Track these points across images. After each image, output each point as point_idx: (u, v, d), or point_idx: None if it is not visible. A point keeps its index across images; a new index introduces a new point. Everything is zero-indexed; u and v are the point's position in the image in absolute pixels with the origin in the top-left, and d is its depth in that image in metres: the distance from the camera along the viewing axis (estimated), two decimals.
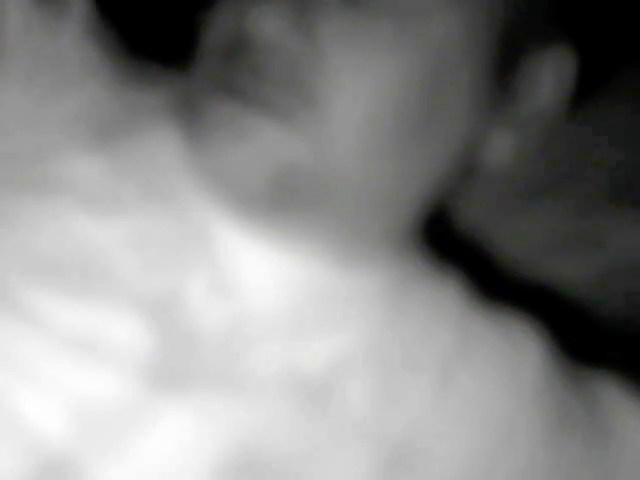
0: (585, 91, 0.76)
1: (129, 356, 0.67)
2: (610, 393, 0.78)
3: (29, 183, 0.70)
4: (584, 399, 0.77)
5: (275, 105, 0.65)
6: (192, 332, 0.69)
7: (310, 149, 0.66)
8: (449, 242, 0.78)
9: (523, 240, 0.89)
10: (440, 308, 0.76)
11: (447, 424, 0.72)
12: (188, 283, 0.69)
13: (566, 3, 0.72)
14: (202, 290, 0.69)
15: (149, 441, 0.67)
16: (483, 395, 0.74)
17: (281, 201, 0.67)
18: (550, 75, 0.72)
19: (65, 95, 0.73)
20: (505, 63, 0.70)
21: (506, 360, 0.75)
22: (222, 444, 0.67)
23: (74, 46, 0.74)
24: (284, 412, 0.69)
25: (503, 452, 0.73)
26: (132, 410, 0.67)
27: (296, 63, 0.65)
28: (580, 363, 0.79)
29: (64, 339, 0.67)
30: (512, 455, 0.73)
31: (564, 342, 0.79)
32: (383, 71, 0.66)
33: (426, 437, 0.71)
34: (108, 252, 0.69)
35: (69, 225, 0.69)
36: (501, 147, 0.72)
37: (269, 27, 0.65)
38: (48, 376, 0.66)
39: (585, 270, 0.88)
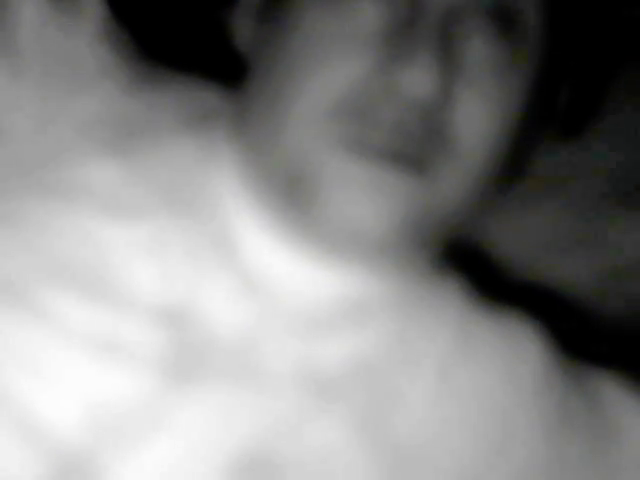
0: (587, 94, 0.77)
1: (146, 355, 0.67)
2: (610, 392, 0.78)
3: (46, 187, 0.71)
4: (585, 398, 0.77)
5: (416, 157, 0.66)
6: (209, 332, 0.69)
7: (437, 191, 0.68)
8: (449, 242, 0.78)
9: (523, 240, 0.89)
10: (440, 309, 0.76)
11: (448, 424, 0.72)
12: (208, 285, 0.70)
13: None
14: (222, 291, 0.70)
15: (166, 438, 0.67)
16: (483, 395, 0.74)
17: (397, 242, 0.69)
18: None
19: (80, 97, 0.73)
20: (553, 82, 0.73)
21: (505, 360, 0.76)
22: (237, 441, 0.68)
23: (89, 47, 0.74)
24: (295, 410, 0.69)
25: (503, 451, 0.73)
26: (149, 408, 0.67)
27: (437, 118, 0.66)
28: (580, 363, 0.79)
29: (81, 339, 0.67)
30: (512, 454, 0.73)
31: (564, 342, 0.79)
32: (506, 102, 0.68)
33: (427, 437, 0.72)
34: (127, 255, 0.69)
35: (88, 229, 0.69)
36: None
37: (421, 88, 0.65)
38: (66, 376, 0.67)
39: (585, 270, 0.88)
